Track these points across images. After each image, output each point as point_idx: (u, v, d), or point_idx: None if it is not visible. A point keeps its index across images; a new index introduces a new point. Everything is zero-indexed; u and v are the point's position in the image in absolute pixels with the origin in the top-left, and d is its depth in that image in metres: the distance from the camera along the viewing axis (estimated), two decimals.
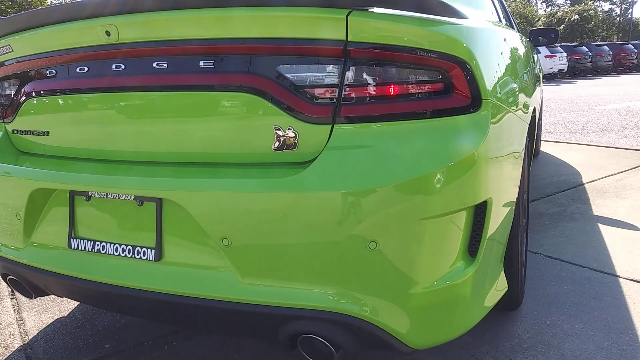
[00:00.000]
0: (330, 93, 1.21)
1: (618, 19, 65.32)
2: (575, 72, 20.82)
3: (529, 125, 1.93)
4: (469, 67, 1.22)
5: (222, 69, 1.27)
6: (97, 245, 1.42)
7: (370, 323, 1.21)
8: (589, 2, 57.43)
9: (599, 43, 24.17)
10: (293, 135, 1.23)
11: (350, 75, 1.20)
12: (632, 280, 2.23)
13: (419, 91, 1.21)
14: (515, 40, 2.13)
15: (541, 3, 72.00)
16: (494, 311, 1.98)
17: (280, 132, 1.24)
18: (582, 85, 15.62)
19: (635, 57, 22.95)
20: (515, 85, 1.64)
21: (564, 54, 19.91)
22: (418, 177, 1.16)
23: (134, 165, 1.41)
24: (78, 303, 2.27)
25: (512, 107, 1.52)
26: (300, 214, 1.17)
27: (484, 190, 1.27)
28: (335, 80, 1.21)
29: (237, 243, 1.23)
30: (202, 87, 1.29)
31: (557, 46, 20.22)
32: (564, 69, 19.94)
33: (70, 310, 2.21)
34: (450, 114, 1.22)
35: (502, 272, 1.62)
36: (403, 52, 1.19)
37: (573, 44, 23.74)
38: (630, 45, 23.58)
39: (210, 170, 1.29)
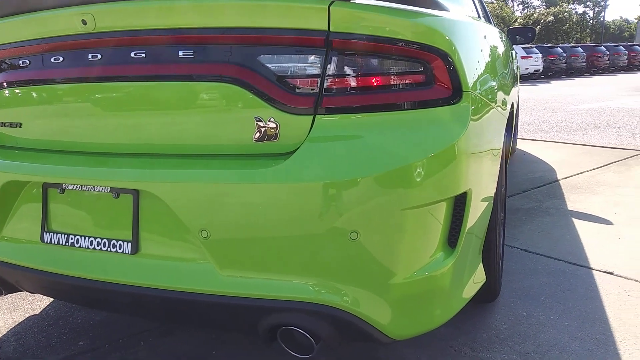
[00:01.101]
0: (312, 84, 1.21)
1: (591, 21, 66.83)
2: (550, 72, 21.22)
3: (507, 120, 1.95)
4: (450, 59, 1.23)
5: (202, 58, 1.25)
6: (71, 238, 1.39)
7: (351, 314, 1.21)
8: (564, 5, 58.62)
9: (573, 44, 24.67)
10: (274, 126, 1.22)
11: (332, 65, 1.20)
12: (605, 272, 2.28)
13: (401, 82, 1.21)
14: (495, 36, 2.15)
15: (518, 5, 73.18)
16: (471, 303, 2.00)
17: (261, 123, 1.23)
18: (557, 86, 15.94)
19: (607, 58, 23.49)
20: (495, 80, 1.66)
21: (540, 55, 20.27)
22: (399, 168, 1.16)
23: (110, 157, 1.38)
24: (50, 300, 2.22)
25: (492, 101, 1.53)
26: (281, 205, 1.16)
27: (464, 181, 1.27)
28: (317, 71, 1.20)
29: (216, 235, 1.21)
30: (181, 77, 1.27)
31: (532, 47, 20.57)
32: (539, 70, 20.30)
33: (42, 308, 2.16)
34: (432, 106, 1.22)
35: (481, 264, 1.64)
36: (385, 43, 1.19)
37: (548, 45, 24.19)
38: (602, 47, 24.14)
39: (189, 162, 1.27)
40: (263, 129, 1.23)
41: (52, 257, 1.41)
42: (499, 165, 1.71)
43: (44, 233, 1.43)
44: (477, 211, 1.42)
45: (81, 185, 1.36)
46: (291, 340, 1.30)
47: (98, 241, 1.35)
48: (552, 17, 52.90)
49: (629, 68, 25.16)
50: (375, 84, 1.21)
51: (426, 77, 1.22)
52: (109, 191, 1.33)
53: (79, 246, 1.37)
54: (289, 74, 1.21)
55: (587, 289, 2.14)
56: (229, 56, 1.23)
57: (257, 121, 1.23)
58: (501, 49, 2.25)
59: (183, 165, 1.25)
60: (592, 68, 23.10)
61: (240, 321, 1.31)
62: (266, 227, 1.18)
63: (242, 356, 1.76)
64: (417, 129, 1.21)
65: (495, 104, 1.60)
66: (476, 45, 1.51)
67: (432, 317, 1.33)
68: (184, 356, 1.77)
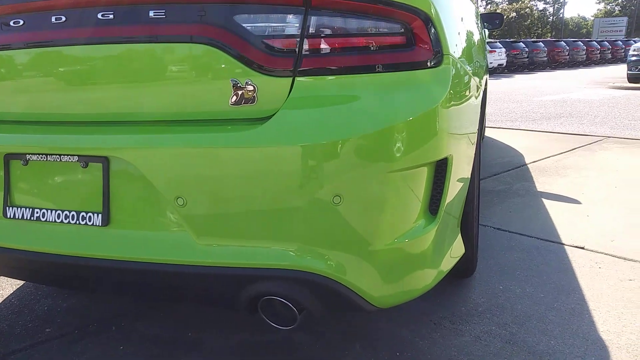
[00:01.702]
0: (291, 44, 1.17)
1: (551, 18, 68.74)
2: (513, 67, 21.70)
3: (483, 92, 1.96)
4: (431, 21, 1.21)
5: (175, 19, 1.19)
6: (37, 212, 1.31)
7: (334, 280, 1.18)
8: (526, 0, 60.13)
9: (534, 40, 25.30)
10: (252, 88, 1.18)
11: (311, 25, 1.16)
12: (576, 247, 2.33)
13: (381, 43, 1.18)
14: (471, 6, 2.15)
15: (481, 1, 74.64)
16: (449, 279, 2.01)
17: (238, 86, 1.18)
18: (520, 79, 16.31)
19: (567, 53, 24.20)
20: (472, 47, 1.65)
21: (503, 50, 20.69)
22: (381, 130, 1.14)
23: (77, 126, 1.30)
24: (14, 289, 2.11)
25: (470, 67, 1.53)
26: (261, 169, 1.12)
27: (445, 146, 1.26)
28: (295, 31, 1.17)
29: (193, 203, 1.16)
30: (153, 39, 1.21)
31: (496, 42, 20.98)
32: (503, 64, 20.72)
33: (4, 297, 2.05)
34: (413, 68, 1.20)
35: (459, 236, 1.63)
36: (365, 2, 1.16)
37: (511, 40, 24.73)
38: (562, 42, 24.86)
39: (163, 127, 1.21)
40: (240, 92, 1.18)
41: (16, 233, 1.32)
42: (477, 137, 1.71)
43: (7, 208, 1.34)
44: (456, 180, 1.41)
45: (46, 155, 1.28)
46: (273, 311, 1.26)
47: (66, 214, 1.28)
48: (514, 13, 54.26)
49: (588, 63, 26.00)
50: (355, 45, 1.18)
51: (407, 38, 1.20)
52: (77, 160, 1.26)
53: (45, 220, 1.29)
54: (266, 34, 1.17)
55: (560, 263, 2.17)
56: (203, 16, 1.18)
57: (233, 84, 1.18)
58: (477, 22, 2.25)
59: (156, 130, 1.20)
60: (553, 63, 23.75)
61: (220, 292, 1.26)
62: (245, 193, 1.13)
63: (218, 337, 1.71)
64: (398, 90, 1.18)
65: (473, 70, 1.59)
66: (455, 10, 1.50)
67: (415, 285, 1.32)
68: (157, 339, 1.71)
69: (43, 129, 1.31)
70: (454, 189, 1.40)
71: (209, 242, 1.18)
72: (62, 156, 1.27)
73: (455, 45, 1.35)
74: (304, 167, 1.11)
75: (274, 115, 1.16)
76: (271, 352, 1.60)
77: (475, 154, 1.70)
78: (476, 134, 1.71)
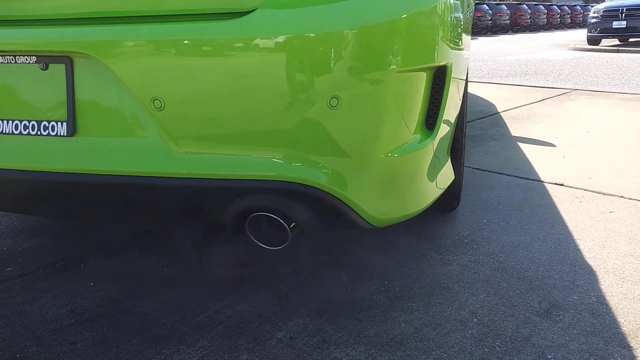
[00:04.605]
0: None
1: None
2: (477, 29, 21.72)
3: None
4: None
5: None
6: None
7: (328, 193, 1.09)
8: None
9: (498, 2, 25.38)
10: None
11: None
12: (556, 184, 2.32)
13: None
14: None
15: None
16: (432, 213, 1.97)
17: None
18: (484, 42, 16.37)
19: (529, 17, 24.40)
20: None
21: None
22: (380, 24, 1.03)
23: (34, 24, 1.13)
24: None
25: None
26: (249, 64, 0.99)
27: (445, 51, 1.17)
28: None
29: (172, 105, 1.03)
30: None
31: None
32: None
33: None
34: None
35: (450, 161, 1.57)
36: None
37: (475, 2, 24.68)
38: (524, 5, 25.02)
39: (134, 20, 1.06)
40: None
41: None
42: (467, 62, 1.63)
43: None
44: (451, 97, 1.33)
45: None
46: (260, 231, 1.17)
47: (25, 124, 1.12)
48: None
49: (548, 27, 26.34)
50: None
51: None
52: (35, 61, 1.10)
53: (1, 132, 1.14)
54: None
55: (541, 198, 2.16)
56: None
57: None
58: None
59: (127, 22, 1.05)
60: (515, 26, 23.92)
61: (204, 210, 1.15)
62: (233, 93, 1.01)
63: (194, 273, 1.61)
64: None
65: (468, 10, 1.50)
66: None
67: (410, 202, 1.24)
68: (130, 275, 1.59)
69: None
70: (449, 106, 1.32)
71: (189, 150, 1.06)
72: (16, 57, 1.10)
73: None
74: (295, 61, 1.00)
75: (260, 6, 1.03)
76: (252, 284, 1.52)
77: (466, 81, 1.63)
78: (467, 61, 1.63)
